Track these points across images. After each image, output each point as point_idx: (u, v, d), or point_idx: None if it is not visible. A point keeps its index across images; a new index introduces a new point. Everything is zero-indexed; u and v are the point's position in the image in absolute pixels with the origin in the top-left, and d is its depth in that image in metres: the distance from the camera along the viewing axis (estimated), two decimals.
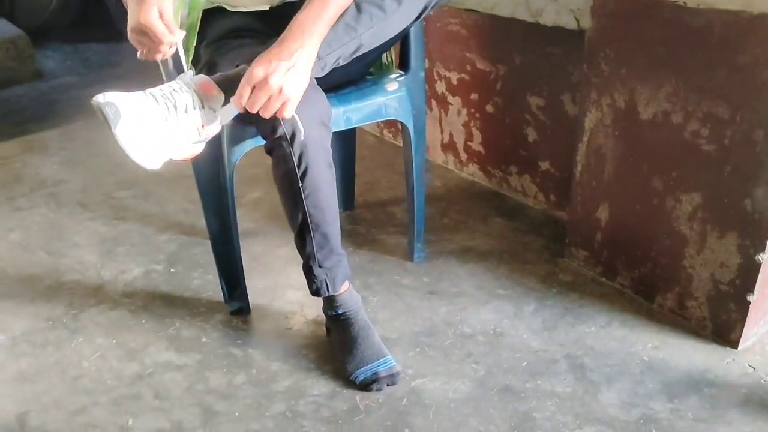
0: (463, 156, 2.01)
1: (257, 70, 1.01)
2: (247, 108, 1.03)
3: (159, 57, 1.10)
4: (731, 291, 1.30)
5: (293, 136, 1.08)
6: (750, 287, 1.27)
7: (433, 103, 2.04)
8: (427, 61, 1.98)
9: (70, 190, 2.04)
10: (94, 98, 1.02)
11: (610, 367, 1.30)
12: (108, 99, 1.01)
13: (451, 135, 2.03)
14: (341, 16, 1.10)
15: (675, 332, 1.38)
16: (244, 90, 1.02)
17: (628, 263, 1.47)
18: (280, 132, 1.08)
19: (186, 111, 1.06)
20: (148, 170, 1.07)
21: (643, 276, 1.45)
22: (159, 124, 1.04)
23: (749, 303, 1.28)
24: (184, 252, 1.71)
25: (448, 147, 2.05)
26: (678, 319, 1.40)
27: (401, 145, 1.57)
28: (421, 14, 1.19)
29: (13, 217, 1.89)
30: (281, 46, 1.03)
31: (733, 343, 1.33)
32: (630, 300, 1.47)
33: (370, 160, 2.14)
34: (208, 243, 1.49)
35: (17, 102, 2.79)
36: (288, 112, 1.04)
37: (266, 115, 1.03)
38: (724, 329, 1.33)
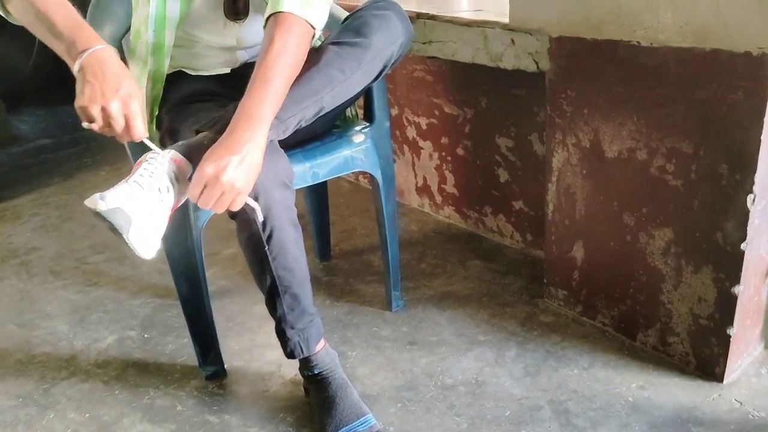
0: (438, 198, 2.00)
1: (208, 168, 0.98)
2: (199, 205, 1.01)
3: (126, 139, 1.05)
4: (711, 325, 1.28)
5: (256, 199, 1.06)
6: (729, 320, 1.25)
7: (405, 147, 2.04)
8: (396, 107, 1.99)
9: (42, 258, 2.00)
10: (93, 205, 0.96)
11: (594, 410, 1.27)
12: (111, 204, 0.96)
13: (424, 178, 2.02)
14: (301, 79, 1.10)
15: (659, 370, 1.35)
16: (196, 189, 0.99)
17: (608, 301, 1.45)
18: None
19: (167, 190, 1.03)
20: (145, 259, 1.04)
21: (623, 313, 1.43)
22: (154, 213, 1.01)
23: (730, 336, 1.26)
24: (158, 315, 1.68)
25: (423, 190, 2.05)
26: (661, 356, 1.38)
27: None
28: (380, 73, 1.20)
29: None
30: (231, 138, 1.01)
31: (718, 378, 1.31)
32: (612, 338, 1.45)
33: (345, 208, 2.13)
34: None
35: None
36: (238, 205, 1.02)
37: (219, 210, 1.02)
38: (707, 364, 1.31)
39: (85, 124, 1.03)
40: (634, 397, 1.29)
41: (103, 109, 1.00)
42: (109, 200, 0.95)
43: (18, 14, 1.10)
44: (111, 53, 1.04)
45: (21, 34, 3.80)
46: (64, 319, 1.70)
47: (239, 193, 1.01)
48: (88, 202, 0.96)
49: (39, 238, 2.13)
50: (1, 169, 2.75)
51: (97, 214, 0.96)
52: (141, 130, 1.03)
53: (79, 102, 1.01)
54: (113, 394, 1.42)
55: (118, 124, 1.01)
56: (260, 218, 1.06)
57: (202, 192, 1.00)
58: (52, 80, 3.48)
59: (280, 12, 1.08)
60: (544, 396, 1.31)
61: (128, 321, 1.67)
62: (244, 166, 1.00)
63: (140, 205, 0.98)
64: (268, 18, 1.10)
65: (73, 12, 1.07)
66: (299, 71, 1.10)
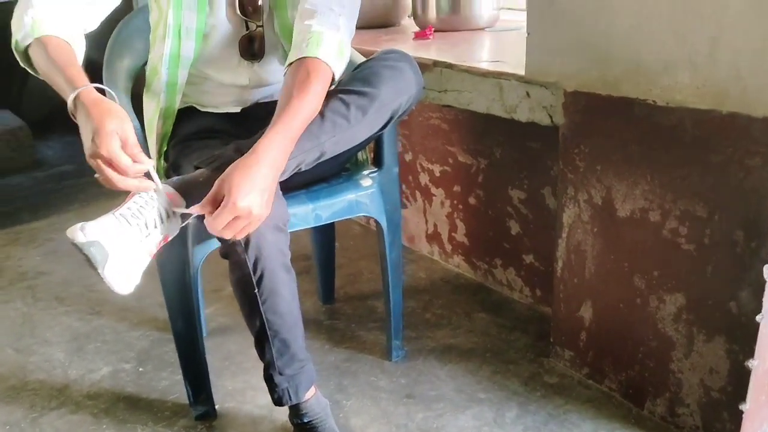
0: (448, 247, 1.97)
1: (244, 203, 0.97)
2: (219, 234, 0.99)
3: (123, 186, 0.97)
4: (723, 399, 1.22)
5: (248, 240, 1.04)
6: (742, 395, 1.19)
7: (417, 194, 2.02)
8: (410, 152, 1.98)
9: (49, 283, 2.00)
10: (71, 236, 0.93)
11: None
12: (90, 237, 0.93)
13: (435, 226, 1.99)
14: None
15: None
16: (224, 219, 0.97)
17: (615, 365, 1.39)
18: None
19: (155, 226, 1.02)
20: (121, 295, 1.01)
21: (631, 379, 1.37)
22: (135, 249, 0.99)
23: (743, 412, 1.19)
24: (155, 349, 1.65)
25: (433, 237, 2.01)
26: (669, 428, 1.31)
27: None
28: (387, 123, 1.18)
29: None
30: (257, 170, 0.99)
31: None
32: (618, 405, 1.39)
33: (354, 251, 2.10)
34: None
35: (11, 192, 2.80)
36: (249, 231, 1.02)
37: (229, 236, 1.00)
38: None
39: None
40: None
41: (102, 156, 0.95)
42: (89, 232, 0.93)
43: (35, 54, 1.08)
44: (89, 96, 0.98)
45: None
46: (62, 347, 1.68)
47: (257, 222, 1.01)
48: (69, 232, 0.94)
49: (49, 262, 2.13)
50: (23, 193, 2.78)
51: (75, 245, 0.94)
52: (127, 167, 0.95)
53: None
54: (100, 428, 1.39)
55: (121, 162, 0.94)
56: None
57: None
58: None
59: (315, 57, 1.08)
60: None
61: (125, 353, 1.64)
62: (268, 197, 1.00)
63: (121, 240, 0.96)
64: (299, 57, 1.10)
65: (71, 55, 1.06)
66: (318, 107, 1.10)
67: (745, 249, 1.11)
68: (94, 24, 1.19)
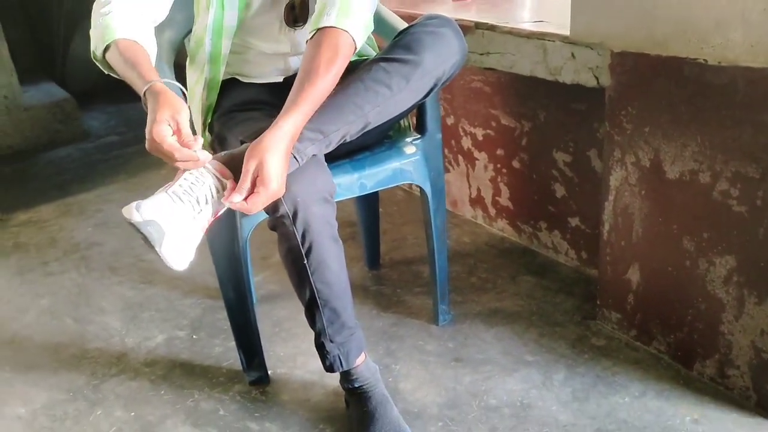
0: (492, 211, 1.96)
1: (277, 187, 1.01)
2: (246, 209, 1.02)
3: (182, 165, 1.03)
4: None
5: (295, 213, 1.06)
6: None
7: (460, 158, 2.01)
8: (452, 116, 1.96)
9: (101, 254, 2.07)
10: (128, 216, 0.97)
11: None
12: (146, 216, 0.97)
13: (479, 190, 1.99)
14: (347, 94, 1.10)
15: (715, 403, 1.29)
16: (262, 204, 1.02)
17: (663, 327, 1.39)
18: (281, 211, 1.06)
19: (206, 202, 1.04)
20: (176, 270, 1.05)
21: (679, 341, 1.36)
22: (189, 225, 1.02)
23: None
24: (207, 317, 1.70)
25: (477, 202, 2.01)
26: (719, 389, 1.31)
27: None
28: (430, 91, 1.17)
29: (45, 282, 1.92)
30: (284, 149, 1.02)
31: None
32: (666, 366, 1.39)
33: (399, 217, 2.11)
34: None
35: (60, 164, 2.88)
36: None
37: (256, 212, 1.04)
38: None
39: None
40: (688, 431, 1.23)
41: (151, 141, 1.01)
42: (145, 211, 0.96)
43: (111, 57, 1.13)
44: (156, 89, 1.04)
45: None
46: (118, 316, 1.74)
47: (278, 195, 1.04)
48: (125, 211, 0.97)
49: (100, 233, 2.20)
50: (72, 165, 2.86)
51: (132, 225, 0.97)
52: (180, 156, 1.00)
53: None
54: (159, 395, 1.45)
55: (166, 148, 1.00)
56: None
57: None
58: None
59: (343, 30, 1.09)
60: (592, 424, 1.26)
61: (178, 321, 1.70)
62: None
63: (175, 217, 0.99)
64: (326, 26, 1.10)
65: (148, 60, 1.12)
66: (337, 82, 1.10)
67: None
68: (162, 14, 1.23)
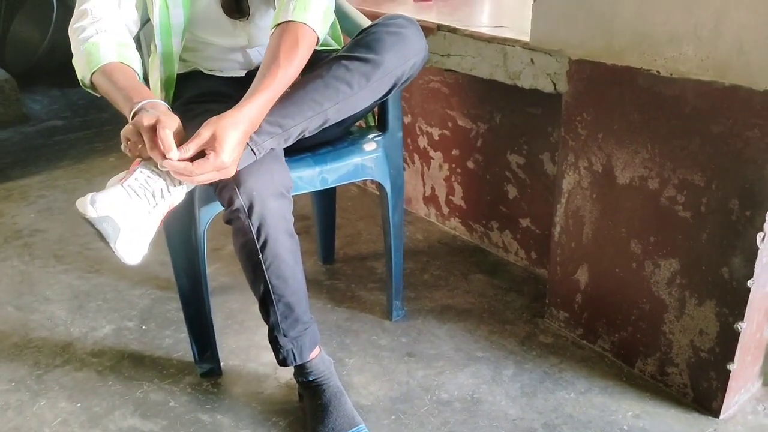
0: (445, 209, 2.00)
1: (227, 158, 1.01)
2: (194, 181, 1.02)
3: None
4: (711, 359, 1.27)
5: (251, 207, 1.06)
6: (730, 356, 1.24)
7: (416, 156, 2.04)
8: (409, 115, 1.98)
9: (45, 241, 2.01)
10: (84, 210, 0.96)
11: None
12: (101, 212, 0.96)
13: (433, 188, 2.02)
14: (306, 90, 1.10)
15: (656, 399, 1.35)
16: (207, 170, 1.01)
17: (609, 326, 1.44)
18: (237, 204, 1.06)
19: (162, 196, 1.03)
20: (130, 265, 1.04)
21: (623, 340, 1.42)
22: (144, 220, 1.01)
23: (730, 372, 1.25)
24: (157, 308, 1.68)
25: (430, 200, 2.04)
26: (659, 386, 1.38)
27: None
28: (390, 90, 1.19)
29: None
30: (241, 128, 1.03)
31: (715, 412, 1.30)
32: (610, 364, 1.44)
33: (352, 212, 2.13)
34: None
35: (0, 147, 2.77)
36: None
37: (202, 183, 1.04)
38: (705, 397, 1.30)
39: (123, 147, 1.05)
40: (629, 425, 1.28)
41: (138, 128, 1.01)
42: (100, 206, 0.95)
43: (99, 84, 1.13)
44: (160, 103, 1.07)
45: (37, 11, 3.78)
46: (63, 305, 1.70)
47: (229, 174, 1.04)
48: (79, 205, 0.96)
49: (44, 220, 2.13)
50: (12, 148, 2.76)
51: (86, 220, 0.95)
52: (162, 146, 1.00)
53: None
54: (106, 385, 1.42)
55: (147, 138, 1.00)
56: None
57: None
58: (67, 61, 3.49)
59: (303, 23, 1.09)
60: (539, 418, 1.30)
61: (127, 311, 1.67)
62: (240, 151, 1.05)
63: (131, 212, 0.98)
64: (286, 20, 1.10)
65: (135, 79, 1.13)
66: (299, 72, 1.11)
67: (739, 217, 1.15)
68: (138, 23, 1.24)
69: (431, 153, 1.97)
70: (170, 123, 1.01)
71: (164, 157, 0.99)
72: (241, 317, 1.63)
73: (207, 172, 1.01)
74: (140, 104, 1.04)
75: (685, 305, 1.28)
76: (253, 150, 1.07)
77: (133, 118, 1.04)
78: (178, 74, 1.30)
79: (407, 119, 2.01)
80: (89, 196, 0.98)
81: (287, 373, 1.42)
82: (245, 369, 1.46)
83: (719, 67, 1.11)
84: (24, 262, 1.90)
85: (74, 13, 1.18)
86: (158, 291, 1.74)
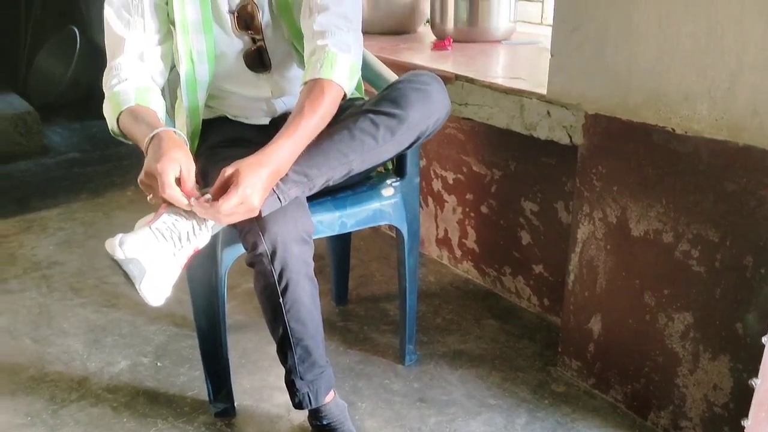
0: (458, 252, 2.02)
1: (249, 192, 1.03)
2: (220, 219, 1.05)
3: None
4: (725, 414, 1.27)
5: (274, 252, 1.09)
6: (744, 412, 1.24)
7: (429, 199, 2.06)
8: (424, 159, 2.02)
9: (63, 273, 2.03)
10: (112, 251, 0.99)
11: None
12: (129, 254, 0.99)
13: (446, 231, 2.04)
14: (333, 141, 1.14)
15: None
16: (232, 203, 1.03)
17: (621, 377, 1.45)
18: (260, 249, 1.09)
19: (188, 239, 1.07)
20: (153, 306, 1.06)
21: (636, 391, 1.42)
22: (169, 263, 1.04)
23: (744, 428, 1.25)
24: (172, 345, 1.69)
25: (443, 242, 2.06)
26: None
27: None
28: (413, 143, 1.23)
29: (3, 301, 1.88)
30: (264, 170, 1.06)
31: None
32: (623, 415, 1.44)
33: (365, 252, 2.15)
34: None
35: (21, 178, 2.82)
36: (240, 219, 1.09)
37: (228, 221, 1.07)
38: None
39: (148, 200, 1.08)
40: None
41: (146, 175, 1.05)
42: (128, 249, 0.98)
43: (123, 128, 1.18)
44: (167, 132, 1.09)
45: (61, 46, 3.86)
46: (80, 339, 1.72)
47: (253, 212, 1.07)
48: (108, 246, 0.99)
49: (62, 252, 2.16)
50: (33, 179, 2.81)
51: (114, 261, 0.98)
52: (171, 193, 1.03)
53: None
54: (121, 422, 1.43)
55: (158, 187, 1.03)
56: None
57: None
58: (88, 94, 3.57)
59: (329, 79, 1.15)
60: None
61: (142, 347, 1.68)
62: (265, 194, 1.08)
63: (157, 256, 1.01)
64: (314, 78, 1.15)
65: (153, 116, 1.17)
66: (325, 125, 1.15)
67: (754, 274, 1.16)
68: (165, 73, 1.28)
69: (445, 196, 2.00)
70: (172, 166, 1.03)
71: (186, 200, 1.03)
72: (255, 357, 1.64)
73: (233, 209, 1.03)
74: (150, 135, 1.08)
75: (699, 359, 1.29)
76: (279, 197, 1.10)
77: (146, 153, 1.07)
78: (203, 120, 1.34)
79: (421, 163, 2.05)
80: (118, 237, 1.01)
81: (301, 415, 1.42)
82: (259, 409, 1.47)
83: (733, 128, 1.14)
84: (42, 294, 1.92)
85: (104, 73, 1.24)
86: (174, 327, 1.76)
